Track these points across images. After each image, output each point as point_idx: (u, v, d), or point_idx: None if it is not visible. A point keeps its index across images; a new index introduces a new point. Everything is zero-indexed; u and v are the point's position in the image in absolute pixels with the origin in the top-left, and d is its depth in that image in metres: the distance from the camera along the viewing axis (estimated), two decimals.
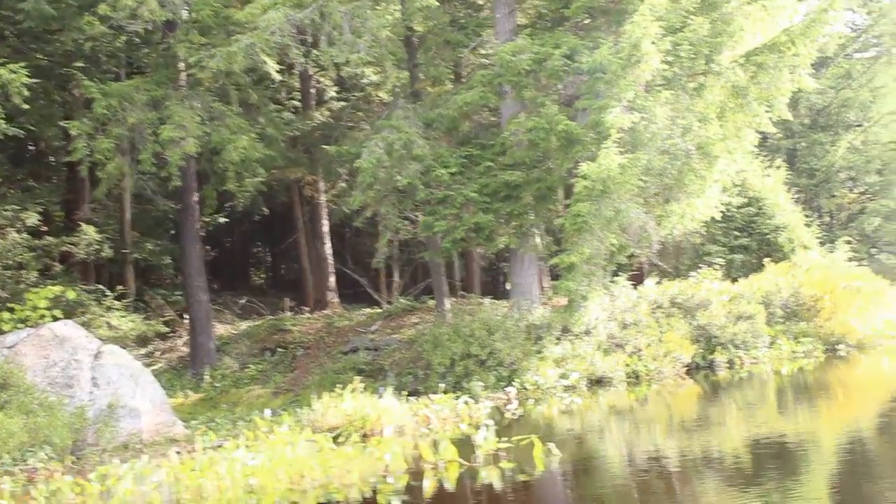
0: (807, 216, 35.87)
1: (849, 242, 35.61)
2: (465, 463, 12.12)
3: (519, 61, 21.70)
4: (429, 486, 11.45)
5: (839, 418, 15.97)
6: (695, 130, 22.07)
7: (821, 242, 33.12)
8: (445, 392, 19.27)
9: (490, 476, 11.62)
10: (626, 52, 20.31)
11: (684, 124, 22.01)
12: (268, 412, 16.40)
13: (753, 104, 22.90)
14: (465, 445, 13.15)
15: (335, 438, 14.82)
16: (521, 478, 11.49)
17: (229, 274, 41.99)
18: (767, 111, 23.40)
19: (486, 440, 12.62)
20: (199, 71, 22.99)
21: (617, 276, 25.61)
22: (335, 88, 34.55)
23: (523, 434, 13.53)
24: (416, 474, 12.07)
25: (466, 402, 18.05)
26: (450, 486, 11.42)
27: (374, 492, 11.50)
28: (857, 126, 42.57)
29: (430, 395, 18.58)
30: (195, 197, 27.24)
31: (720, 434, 14.91)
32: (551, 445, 12.19)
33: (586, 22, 23.61)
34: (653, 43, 20.36)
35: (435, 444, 13.32)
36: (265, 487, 11.81)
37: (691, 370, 22.60)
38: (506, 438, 12.91)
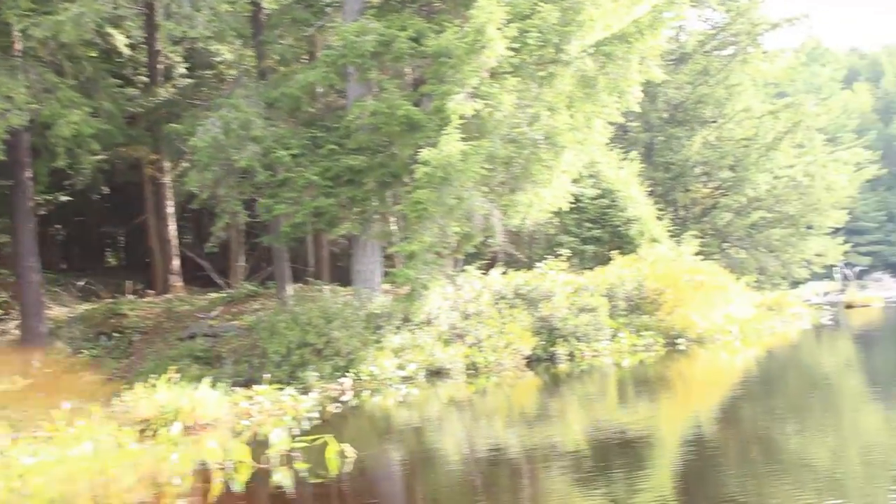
0: (661, 209, 36.19)
1: (700, 237, 36.06)
2: (255, 464, 11.34)
3: (363, 42, 21.03)
4: (213, 489, 10.67)
5: (679, 411, 15.83)
6: (543, 120, 21.77)
7: (673, 236, 33.42)
8: (280, 382, 18.54)
9: (283, 478, 10.92)
10: (470, 36, 19.84)
11: (532, 113, 21.72)
12: (66, 404, 15.33)
13: (603, 94, 22.72)
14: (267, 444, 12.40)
15: (142, 432, 13.94)
16: (314, 479, 10.81)
17: (81, 254, 40.30)
18: (617, 102, 23.23)
19: (280, 439, 11.86)
20: (26, 40, 21.68)
21: (468, 265, 25.27)
22: (185, 65, 33.27)
23: (336, 430, 12.95)
24: (206, 475, 11.29)
25: (292, 395, 17.34)
26: (238, 488, 10.68)
27: (157, 495, 10.69)
28: (713, 122, 43.18)
29: (254, 387, 17.80)
30: (28, 173, 25.78)
31: (560, 427, 14.58)
32: (346, 446, 11.49)
33: (434, 4, 23.07)
34: (498, 29, 19.93)
35: (250, 440, 12.62)
36: (35, 490, 10.89)
37: (532, 362, 22.34)
38: (301, 438, 12.17)
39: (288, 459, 11.43)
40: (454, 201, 19.95)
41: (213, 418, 15.02)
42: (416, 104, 21.24)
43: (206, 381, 16.08)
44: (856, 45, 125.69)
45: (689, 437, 12.79)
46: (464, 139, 19.87)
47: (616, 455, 11.62)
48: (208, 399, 15.12)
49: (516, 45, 20.80)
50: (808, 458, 10.45)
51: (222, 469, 11.30)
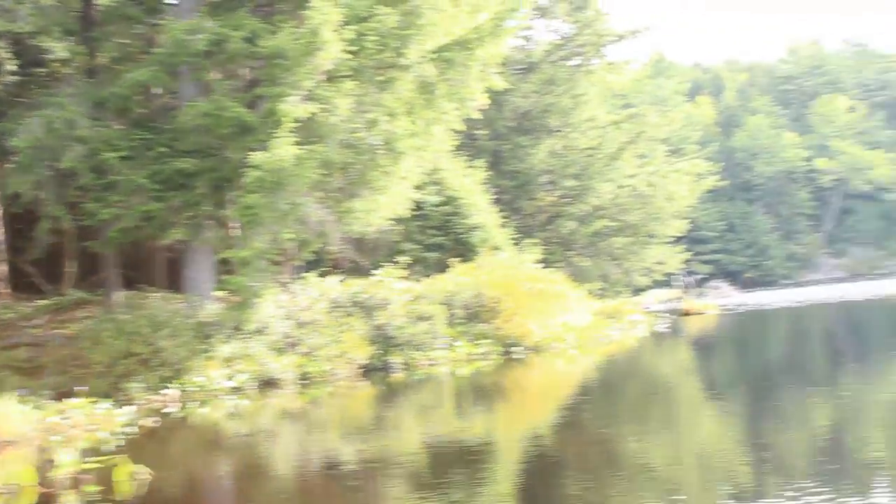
0: (506, 217, 36.29)
1: (545, 245, 36.28)
2: (41, 488, 10.51)
3: (195, 41, 20.33)
4: None
5: (516, 420, 15.66)
6: (382, 125, 21.42)
7: (518, 244, 33.48)
8: (102, 394, 17.70)
9: (69, 502, 10.20)
10: (305, 38, 19.37)
11: (371, 118, 21.36)
12: None
13: (443, 101, 22.51)
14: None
15: None
16: None
17: None
18: (458, 109, 23.08)
19: (68, 460, 11.11)
20: None
21: (308, 272, 24.74)
22: (15, 61, 31.75)
23: (148, 446, 12.30)
24: None
25: (107, 408, 16.55)
26: None
27: None
28: (558, 131, 43.59)
29: (66, 400, 16.92)
30: None
31: (396, 438, 14.21)
32: (140, 467, 10.77)
33: (273, 5, 22.50)
34: (334, 31, 19.51)
35: (43, 460, 11.82)
36: None
37: (367, 372, 21.95)
38: (93, 459, 11.35)
39: (76, 482, 10.71)
40: (287, 207, 19.45)
41: (18, 435, 14.13)
42: (251, 106, 20.67)
43: (15, 394, 15.19)
44: (699, 59, 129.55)
45: (528, 445, 12.62)
46: (298, 143, 19.39)
47: (454, 465, 11.34)
48: (12, 414, 14.23)
49: (354, 48, 20.41)
50: (647, 462, 10.42)
51: (4, 493, 10.50)
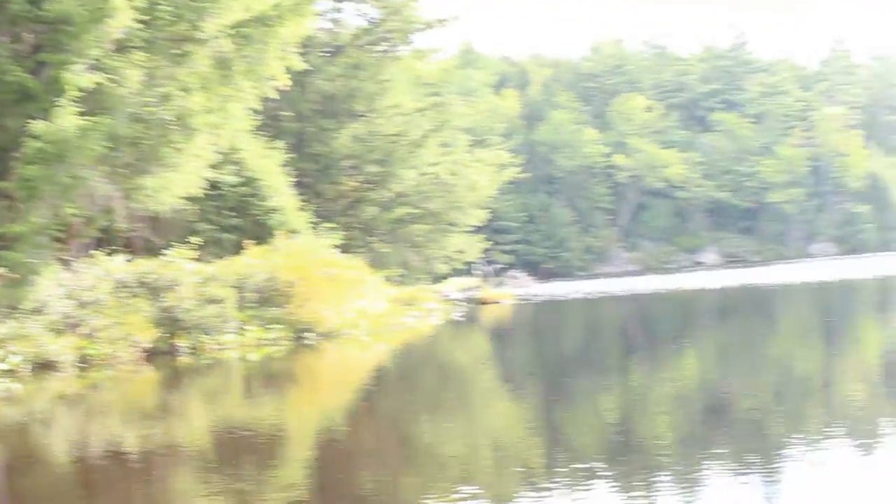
0: (307, 201, 35.75)
1: (345, 230, 35.94)
2: None
3: None
4: None
5: (308, 407, 15.30)
6: (175, 100, 20.63)
7: (316, 228, 33.00)
8: None
9: None
10: (93, 4, 18.41)
11: (163, 92, 20.56)
12: None
13: (240, 78, 21.87)
14: None
15: None
16: None
17: None
18: (256, 88, 22.49)
19: None
20: None
21: (97, 249, 23.61)
22: None
23: None
24: None
25: None
26: None
27: None
28: (363, 116, 43.29)
29: None
30: None
31: (181, 424, 13.60)
32: None
33: None
34: None
35: None
36: None
37: (152, 355, 21.11)
38: None
39: None
40: (70, 180, 18.52)
41: None
42: (34, 73, 19.54)
43: None
44: (507, 52, 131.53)
45: (320, 432, 12.30)
46: (83, 114, 18.44)
47: (244, 452, 10.90)
48: None
49: (146, 18, 19.58)
50: (441, 450, 10.28)
51: None
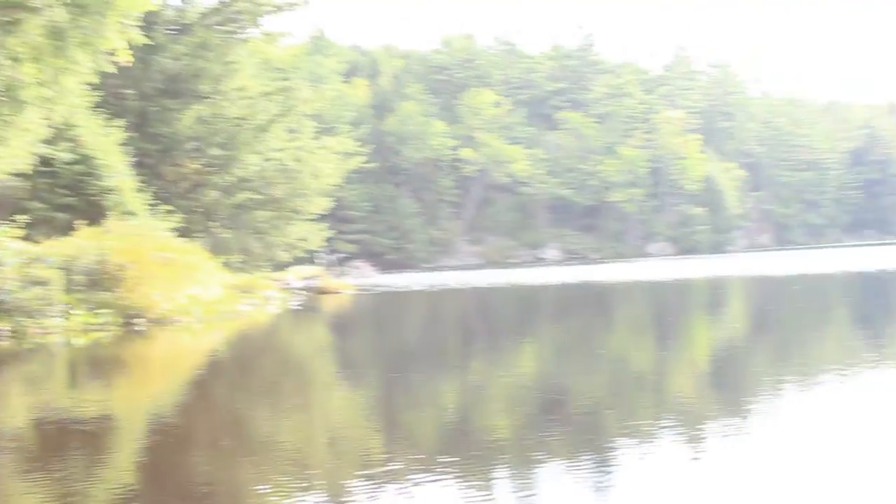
0: (145, 182, 34.69)
1: (185, 214, 35.04)
2: None
3: None
4: None
5: (139, 394, 14.63)
6: (3, 70, 19.59)
7: (155, 210, 32.03)
8: None
9: None
10: None
11: None
12: None
13: (75, 50, 20.93)
14: None
15: None
16: None
17: None
18: (92, 62, 21.58)
19: None
20: None
21: None
22: None
23: None
24: None
25: None
26: None
27: None
28: (207, 98, 42.26)
29: None
30: None
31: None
32: None
33: None
34: None
35: None
36: None
37: None
38: None
39: None
40: None
41: None
42: None
43: None
44: (358, 41, 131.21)
45: (151, 420, 11.75)
46: None
47: (68, 441, 10.29)
48: None
49: None
50: (279, 440, 9.97)
51: None
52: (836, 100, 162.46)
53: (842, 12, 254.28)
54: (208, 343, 21.78)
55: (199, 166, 41.78)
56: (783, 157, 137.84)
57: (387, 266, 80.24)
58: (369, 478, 7.69)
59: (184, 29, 42.48)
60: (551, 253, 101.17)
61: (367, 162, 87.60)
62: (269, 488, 7.75)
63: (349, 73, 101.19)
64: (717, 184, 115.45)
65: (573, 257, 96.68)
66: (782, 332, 18.67)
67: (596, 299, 33.01)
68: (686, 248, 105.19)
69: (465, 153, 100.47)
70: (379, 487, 7.40)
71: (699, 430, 9.03)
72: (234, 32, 43.28)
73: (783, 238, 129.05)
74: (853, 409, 9.54)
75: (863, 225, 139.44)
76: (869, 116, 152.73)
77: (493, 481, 7.46)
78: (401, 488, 7.36)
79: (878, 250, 69.12)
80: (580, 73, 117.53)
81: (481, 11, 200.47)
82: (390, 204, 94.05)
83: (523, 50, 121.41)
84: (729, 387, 12.19)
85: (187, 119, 41.23)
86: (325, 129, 53.83)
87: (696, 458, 7.83)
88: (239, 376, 15.96)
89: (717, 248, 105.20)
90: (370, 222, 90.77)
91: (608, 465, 7.69)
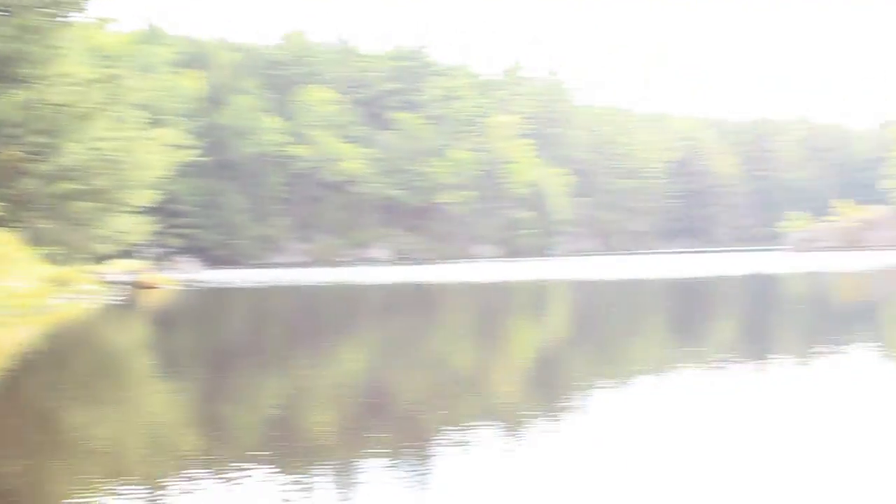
0: None
1: (2, 203, 33.70)
2: None
3: None
4: None
5: None
6: None
7: None
8: None
9: None
10: None
11: None
12: None
13: None
14: None
15: None
16: None
17: None
18: None
19: None
20: None
21: None
22: None
23: None
24: None
25: None
26: None
27: None
28: (29, 82, 40.66)
29: None
30: None
31: None
32: None
33: None
34: None
35: None
36: None
37: None
38: None
39: None
40: None
41: None
42: None
43: None
44: (193, 32, 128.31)
45: None
46: None
47: None
48: None
49: None
50: (94, 439, 9.68)
51: None
52: (660, 111, 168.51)
53: (667, 27, 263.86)
54: (17, 338, 20.99)
55: (17, 153, 40.15)
56: (609, 165, 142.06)
57: (214, 262, 79.02)
58: (188, 477, 7.62)
59: (4, 10, 40.82)
60: (380, 253, 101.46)
61: (198, 155, 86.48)
62: (82, 487, 7.59)
63: (183, 65, 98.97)
64: (545, 189, 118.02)
65: (402, 257, 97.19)
66: (600, 335, 19.25)
67: (422, 300, 33.33)
68: (513, 250, 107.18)
69: (298, 150, 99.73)
70: (197, 486, 7.34)
71: (518, 428, 9.26)
72: (58, 15, 41.82)
73: (606, 243, 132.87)
74: (664, 409, 9.95)
75: (682, 233, 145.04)
76: (690, 129, 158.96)
77: (311, 479, 7.49)
78: (216, 485, 7.33)
79: (694, 258, 71.91)
80: (415, 75, 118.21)
81: (319, 8, 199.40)
82: (220, 199, 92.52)
83: (360, 49, 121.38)
84: (547, 387, 12.51)
85: (6, 104, 39.56)
86: (156, 120, 52.48)
87: (513, 456, 8.01)
88: (50, 372, 15.48)
89: (542, 252, 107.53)
90: (199, 217, 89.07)
91: (427, 464, 7.82)
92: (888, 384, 11.50)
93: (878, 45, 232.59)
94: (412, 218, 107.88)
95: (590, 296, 33.45)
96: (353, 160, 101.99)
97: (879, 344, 16.25)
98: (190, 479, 7.51)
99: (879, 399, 10.33)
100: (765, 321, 21.61)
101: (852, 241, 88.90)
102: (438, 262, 78.87)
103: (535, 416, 9.98)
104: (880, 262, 51.46)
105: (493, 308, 28.82)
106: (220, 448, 8.88)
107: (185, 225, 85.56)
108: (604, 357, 15.41)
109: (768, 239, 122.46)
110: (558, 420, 9.74)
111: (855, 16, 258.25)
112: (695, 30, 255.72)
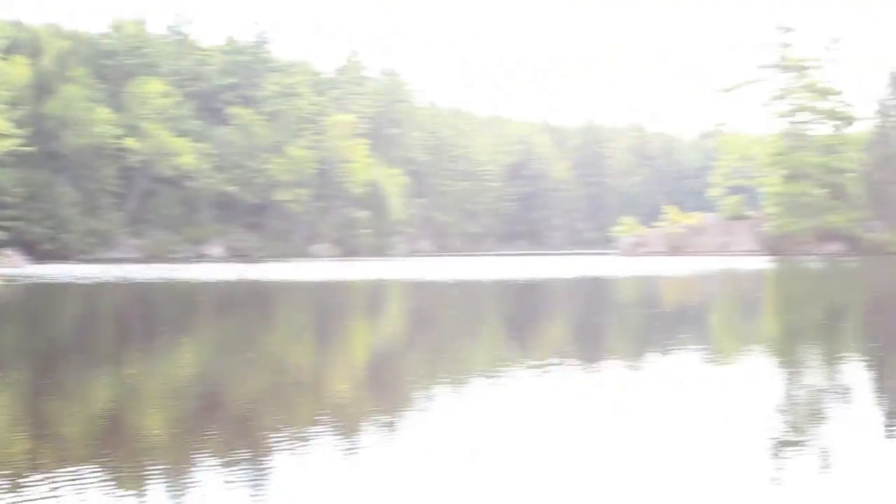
0: None
1: None
2: None
3: None
4: None
5: None
6: None
7: None
8: None
9: None
10: None
11: None
12: None
13: None
14: None
15: None
16: None
17: None
18: None
19: None
20: None
21: None
22: None
23: None
24: None
25: None
26: None
27: None
28: None
29: None
30: None
31: None
32: None
33: None
34: None
35: None
36: None
37: None
38: None
39: None
40: None
41: None
42: None
43: None
44: (21, 17, 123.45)
45: None
46: None
47: None
48: None
49: None
50: None
51: None
52: (497, 115, 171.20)
53: (507, 31, 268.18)
54: None
55: None
56: (446, 166, 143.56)
57: (41, 256, 76.27)
58: (11, 481, 7.46)
59: None
60: (215, 250, 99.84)
61: (23, 145, 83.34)
62: None
63: (8, 50, 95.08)
64: (382, 189, 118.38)
65: (237, 255, 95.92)
66: (436, 336, 19.50)
67: (258, 298, 33.07)
68: (349, 250, 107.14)
69: (130, 143, 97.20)
70: (23, 490, 7.18)
71: (353, 429, 9.36)
72: None
73: (443, 245, 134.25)
74: (495, 410, 10.21)
75: (517, 236, 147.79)
76: (526, 133, 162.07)
77: (141, 482, 7.43)
78: (48, 490, 7.17)
79: (529, 261, 73.37)
80: (253, 70, 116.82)
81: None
82: (47, 191, 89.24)
83: (196, 41, 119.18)
84: (383, 387, 12.69)
85: None
86: None
87: (348, 456, 8.12)
88: None
89: (379, 252, 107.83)
90: (25, 209, 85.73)
91: (260, 464, 7.84)
92: (707, 384, 12.09)
93: (702, 57, 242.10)
94: (248, 215, 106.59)
95: (425, 297, 33.81)
96: (187, 155, 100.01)
97: (701, 346, 17.01)
98: (13, 483, 7.34)
99: (697, 398, 10.89)
100: (593, 324, 22.29)
101: (679, 247, 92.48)
102: (275, 261, 78.19)
103: (371, 417, 10.09)
104: (703, 268, 53.70)
105: (329, 308, 28.85)
106: (42, 450, 8.68)
107: (9, 217, 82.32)
108: (439, 358, 15.63)
109: (601, 243, 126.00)
110: (393, 420, 9.90)
111: (682, 28, 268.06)
112: (534, 35, 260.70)
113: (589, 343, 18.20)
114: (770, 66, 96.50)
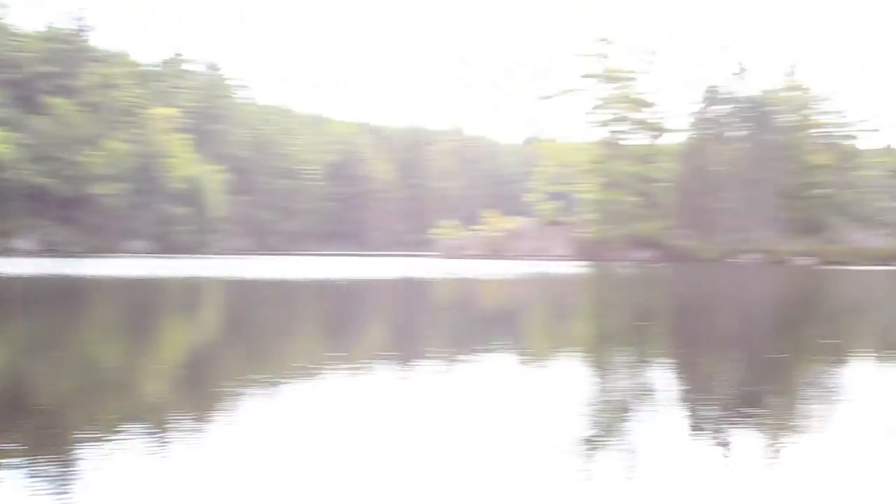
0: None
1: None
2: None
3: None
4: None
5: None
6: None
7: None
8: None
9: None
10: None
11: None
12: None
13: None
14: None
15: None
16: None
17: None
18: None
19: None
20: None
21: None
22: None
23: None
24: None
25: None
26: None
27: None
28: None
29: None
30: None
31: None
32: None
33: None
34: None
35: None
36: None
37: None
38: None
39: None
40: None
41: None
42: None
43: None
44: None
45: None
46: None
47: None
48: None
49: None
50: None
51: None
52: (320, 113, 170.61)
53: (333, 29, 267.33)
54: None
55: None
56: (268, 164, 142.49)
57: None
58: None
59: None
60: (25, 243, 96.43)
61: None
62: None
63: None
64: (203, 185, 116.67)
65: (49, 249, 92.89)
66: (251, 335, 19.56)
67: (68, 295, 32.37)
68: (167, 247, 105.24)
69: None
70: None
71: (163, 428, 9.36)
72: None
73: (263, 243, 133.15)
74: (308, 409, 10.38)
75: (338, 236, 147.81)
76: (348, 133, 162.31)
77: None
78: None
79: (348, 261, 73.68)
80: (72, 59, 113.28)
81: None
82: None
83: (12, 27, 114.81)
84: (196, 386, 12.74)
85: None
86: None
87: (157, 456, 8.17)
88: None
89: (198, 249, 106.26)
90: None
91: (64, 465, 7.84)
92: (522, 385, 12.40)
93: (527, 63, 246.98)
94: (62, 208, 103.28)
95: (242, 295, 33.76)
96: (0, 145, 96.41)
97: (516, 347, 17.65)
98: None
99: (507, 398, 11.17)
100: (411, 324, 22.76)
101: (497, 250, 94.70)
102: (88, 256, 76.10)
103: (181, 416, 10.10)
104: (520, 271, 55.19)
105: (142, 305, 28.58)
106: None
107: None
108: (254, 357, 15.67)
109: (421, 245, 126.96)
110: (204, 420, 9.92)
111: (509, 33, 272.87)
112: (359, 34, 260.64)
113: (405, 343, 18.43)
114: (590, 76, 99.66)
